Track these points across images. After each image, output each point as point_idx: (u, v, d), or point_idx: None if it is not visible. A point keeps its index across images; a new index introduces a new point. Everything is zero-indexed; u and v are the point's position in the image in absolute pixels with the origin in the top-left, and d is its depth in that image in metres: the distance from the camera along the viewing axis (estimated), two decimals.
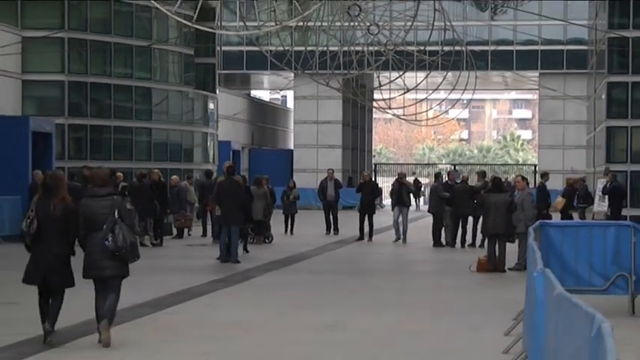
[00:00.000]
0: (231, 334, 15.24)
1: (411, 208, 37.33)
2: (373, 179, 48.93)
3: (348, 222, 39.16)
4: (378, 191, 37.79)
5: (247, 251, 30.60)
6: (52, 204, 14.07)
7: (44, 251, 14.11)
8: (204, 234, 35.76)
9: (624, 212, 37.64)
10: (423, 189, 68.55)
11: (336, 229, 37.81)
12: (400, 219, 33.81)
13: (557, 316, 7.70)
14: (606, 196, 37.50)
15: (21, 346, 13.85)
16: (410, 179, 50.83)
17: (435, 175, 39.79)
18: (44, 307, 14.24)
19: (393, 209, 34.72)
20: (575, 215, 34.76)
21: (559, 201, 32.22)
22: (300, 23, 50.29)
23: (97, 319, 14.03)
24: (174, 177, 37.88)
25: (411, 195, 38.28)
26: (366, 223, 35.47)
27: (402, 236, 33.94)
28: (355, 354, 13.71)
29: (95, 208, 14.20)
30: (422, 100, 70.68)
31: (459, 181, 34.19)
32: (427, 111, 73.96)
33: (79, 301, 15.10)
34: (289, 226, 38.21)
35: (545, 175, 33.90)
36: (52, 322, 14.02)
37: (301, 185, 48.20)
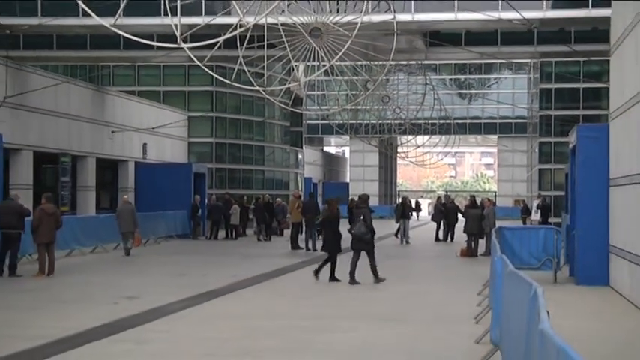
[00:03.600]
0: (313, 293, 15.31)
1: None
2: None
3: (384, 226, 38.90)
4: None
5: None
6: (328, 212, 17.55)
7: (327, 236, 16.99)
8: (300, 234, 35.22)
9: (550, 220, 37.22)
10: (421, 207, 67.72)
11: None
12: (404, 227, 31.61)
13: (509, 283, 7.67)
14: (539, 211, 37.20)
15: (188, 299, 13.99)
16: (413, 200, 50.51)
17: (437, 198, 39.21)
18: (321, 268, 16.94)
19: (397, 221, 32.39)
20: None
21: None
22: (353, 107, 50.46)
23: (351, 270, 16.55)
24: (278, 199, 37.93)
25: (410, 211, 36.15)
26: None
27: (406, 239, 31.38)
28: (389, 305, 13.71)
29: (357, 214, 16.98)
30: (427, 152, 70.71)
31: (449, 202, 33.84)
32: (430, 159, 73.83)
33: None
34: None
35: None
36: (332, 274, 16.68)
37: None
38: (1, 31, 31.67)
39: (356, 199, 41.26)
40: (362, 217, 16.71)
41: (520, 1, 28.04)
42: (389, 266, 21.79)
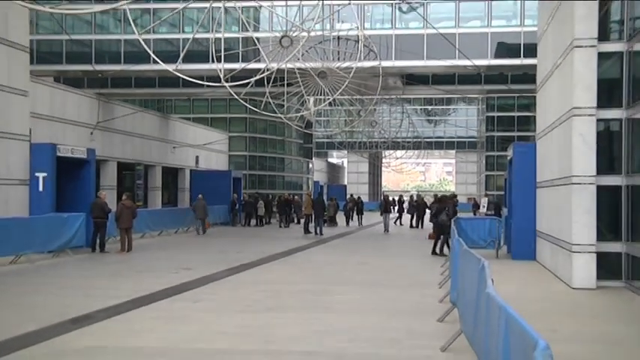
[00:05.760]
0: (320, 266, 15.26)
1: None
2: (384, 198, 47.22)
3: (372, 217, 38.72)
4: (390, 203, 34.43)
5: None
6: (440, 205, 17.45)
7: (435, 224, 17.27)
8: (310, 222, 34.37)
9: (501, 213, 36.93)
10: (396, 202, 66.74)
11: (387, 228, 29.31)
12: (385, 220, 29.15)
13: (464, 259, 7.68)
14: (486, 206, 36.86)
15: (229, 270, 13.97)
16: (397, 197, 50.50)
17: (410, 196, 38.93)
18: (436, 246, 17.31)
19: (381, 214, 29.97)
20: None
21: None
22: (350, 129, 50.44)
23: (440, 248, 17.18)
24: (296, 197, 37.79)
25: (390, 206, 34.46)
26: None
27: (387, 228, 29.03)
28: (374, 274, 13.68)
29: (443, 207, 17.33)
30: (403, 162, 70.52)
31: (419, 199, 33.46)
32: (406, 167, 73.76)
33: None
34: (349, 220, 34.26)
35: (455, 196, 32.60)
36: (440, 250, 16.97)
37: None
38: (95, 74, 31.92)
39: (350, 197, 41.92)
40: (446, 209, 17.13)
41: (471, 52, 28.19)
42: (375, 246, 21.81)
